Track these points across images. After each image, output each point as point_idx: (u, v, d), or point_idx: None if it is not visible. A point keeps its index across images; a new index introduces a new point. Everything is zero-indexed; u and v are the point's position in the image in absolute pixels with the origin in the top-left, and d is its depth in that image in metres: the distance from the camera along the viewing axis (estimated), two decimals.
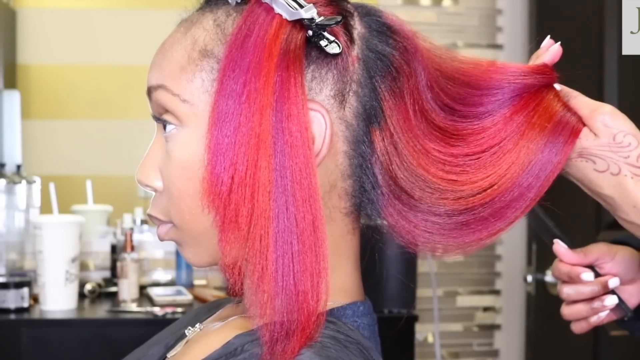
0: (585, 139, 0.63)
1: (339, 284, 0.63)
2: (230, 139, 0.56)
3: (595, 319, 0.85)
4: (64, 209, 2.22)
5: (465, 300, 2.63)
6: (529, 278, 2.03)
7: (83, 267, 2.23)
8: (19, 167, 2.43)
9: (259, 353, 0.56)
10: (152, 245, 2.39)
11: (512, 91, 0.63)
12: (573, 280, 0.85)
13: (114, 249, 2.33)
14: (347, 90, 0.60)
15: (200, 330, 0.69)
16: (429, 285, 2.21)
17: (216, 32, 0.60)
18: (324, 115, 0.59)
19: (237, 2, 0.61)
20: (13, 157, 2.50)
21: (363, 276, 0.66)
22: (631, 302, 0.86)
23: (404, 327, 2.02)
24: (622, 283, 0.85)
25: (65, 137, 2.71)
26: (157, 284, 2.34)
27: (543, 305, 2.07)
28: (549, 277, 1.87)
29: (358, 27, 0.61)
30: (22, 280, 2.03)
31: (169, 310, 1.97)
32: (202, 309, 0.78)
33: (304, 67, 0.58)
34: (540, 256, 2.03)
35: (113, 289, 2.22)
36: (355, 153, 0.61)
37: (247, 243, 0.56)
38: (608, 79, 1.84)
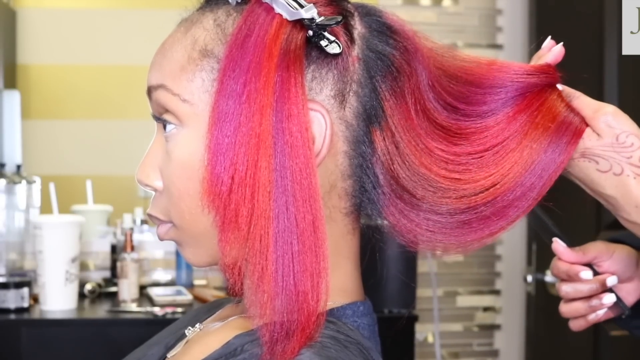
0: (588, 139, 0.63)
1: (339, 284, 0.63)
2: (231, 139, 0.56)
3: (593, 317, 0.86)
4: (64, 209, 2.22)
5: (465, 300, 2.63)
6: (529, 278, 2.03)
7: (83, 267, 2.23)
8: (19, 167, 2.43)
9: (258, 353, 0.56)
10: (152, 245, 2.39)
11: (516, 90, 0.62)
12: (572, 278, 0.86)
13: (114, 249, 2.33)
14: (348, 90, 0.60)
15: (200, 330, 0.69)
16: (429, 285, 2.21)
17: (216, 32, 0.60)
18: (324, 115, 0.59)
19: (237, 2, 0.61)
20: (13, 157, 2.50)
21: (363, 276, 0.66)
22: (628, 300, 0.87)
23: (404, 327, 2.02)
24: (620, 281, 0.85)
25: (65, 137, 2.71)
26: (157, 284, 2.34)
27: (543, 305, 2.07)
28: (549, 277, 1.87)
29: (358, 27, 0.61)
30: (22, 280, 2.04)
31: (169, 310, 1.98)
32: (202, 309, 0.78)
33: (304, 67, 0.58)
34: (540, 256, 2.03)
35: (113, 289, 2.22)
36: (356, 153, 0.61)
37: (247, 243, 0.56)
38: (608, 79, 1.84)
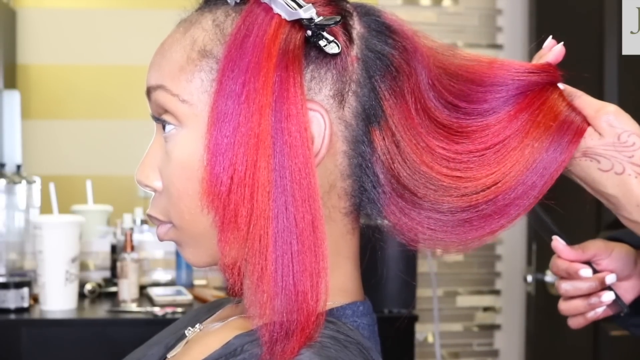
0: (589, 139, 0.63)
1: (339, 284, 0.63)
2: (230, 139, 0.56)
3: (592, 314, 0.87)
4: (64, 209, 2.22)
5: (465, 300, 2.63)
6: (529, 278, 2.03)
7: (83, 267, 2.23)
8: (19, 167, 2.43)
9: (258, 353, 0.56)
10: (152, 245, 2.39)
11: (517, 88, 0.62)
12: (571, 276, 0.86)
13: (114, 249, 2.33)
14: (347, 90, 0.60)
15: (200, 330, 0.69)
16: (429, 285, 2.21)
17: (215, 32, 0.60)
18: (323, 115, 0.59)
19: (236, 2, 0.61)
20: (13, 157, 2.50)
21: (363, 276, 0.66)
22: (626, 298, 0.87)
23: (404, 327, 2.02)
24: (618, 279, 0.86)
25: (65, 137, 2.71)
26: (157, 284, 2.34)
27: (543, 305, 2.07)
28: (548, 277, 1.87)
29: (357, 27, 0.61)
30: (22, 280, 2.04)
31: (169, 310, 1.98)
32: (202, 309, 0.78)
33: (303, 67, 0.58)
34: (540, 256, 2.03)
35: (113, 289, 2.22)
36: (355, 153, 0.61)
37: (247, 243, 0.56)
38: (608, 79, 1.84)
